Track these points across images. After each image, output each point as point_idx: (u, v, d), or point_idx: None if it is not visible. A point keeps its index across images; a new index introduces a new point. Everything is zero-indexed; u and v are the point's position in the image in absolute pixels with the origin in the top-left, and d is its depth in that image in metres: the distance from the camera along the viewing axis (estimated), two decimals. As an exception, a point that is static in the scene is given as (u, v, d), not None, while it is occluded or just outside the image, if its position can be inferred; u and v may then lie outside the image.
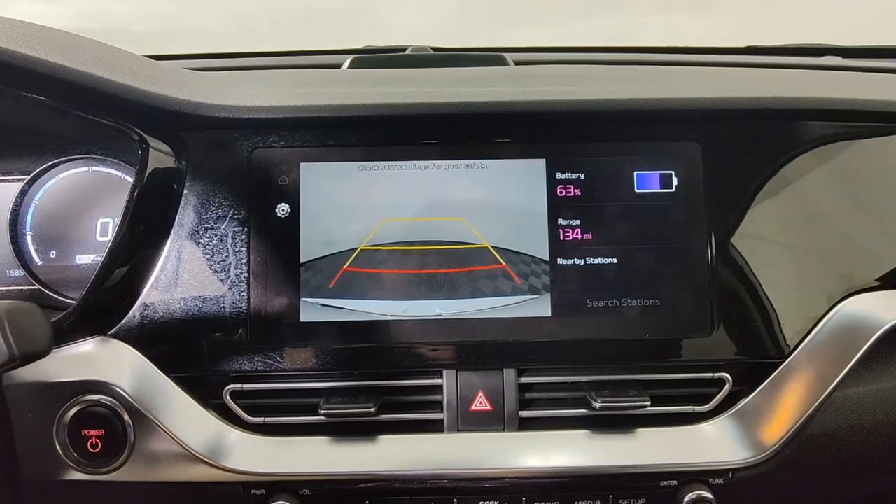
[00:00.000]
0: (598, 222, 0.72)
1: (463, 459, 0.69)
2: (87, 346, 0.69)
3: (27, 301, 0.59)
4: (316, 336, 0.70)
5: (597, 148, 0.73)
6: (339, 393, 0.71)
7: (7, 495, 0.67)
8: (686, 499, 0.68)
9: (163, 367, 0.69)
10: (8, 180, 0.85)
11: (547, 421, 0.71)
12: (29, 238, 0.85)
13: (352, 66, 1.06)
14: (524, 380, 0.71)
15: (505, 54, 1.08)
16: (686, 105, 0.72)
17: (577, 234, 0.71)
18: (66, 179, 0.85)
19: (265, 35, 1.57)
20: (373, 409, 0.68)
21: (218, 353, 0.70)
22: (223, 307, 0.70)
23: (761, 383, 0.71)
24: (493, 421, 0.71)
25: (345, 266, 0.71)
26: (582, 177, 0.72)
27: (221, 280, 0.71)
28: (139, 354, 0.69)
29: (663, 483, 0.69)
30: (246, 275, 0.71)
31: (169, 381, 0.69)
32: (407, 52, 1.19)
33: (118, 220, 0.83)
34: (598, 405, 0.68)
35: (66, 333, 0.68)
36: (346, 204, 0.72)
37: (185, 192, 0.72)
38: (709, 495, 0.67)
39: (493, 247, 0.71)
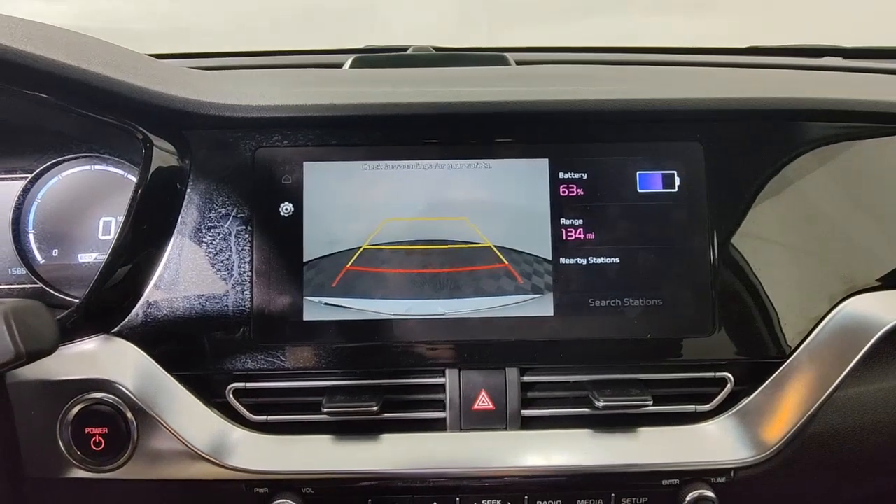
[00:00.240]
0: (600, 222, 0.72)
1: (465, 458, 0.69)
2: (90, 345, 0.69)
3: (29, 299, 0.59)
4: (319, 335, 0.71)
5: (599, 148, 0.73)
6: (341, 391, 0.71)
7: (11, 493, 0.67)
8: (688, 498, 0.68)
9: (166, 366, 0.69)
10: (10, 178, 0.85)
11: (549, 420, 0.71)
12: (31, 236, 0.85)
13: (353, 65, 1.07)
14: (526, 379, 0.72)
15: (506, 54, 1.08)
16: (688, 105, 0.72)
17: (579, 233, 0.72)
18: (69, 178, 0.85)
19: (265, 35, 1.57)
20: (376, 408, 0.68)
21: (221, 352, 0.70)
22: (226, 306, 0.70)
23: (763, 383, 0.71)
24: (495, 420, 0.71)
25: (348, 265, 0.71)
26: (585, 176, 0.72)
27: (225, 279, 0.71)
28: (142, 353, 0.69)
29: (665, 482, 0.69)
30: (249, 273, 0.71)
31: (172, 379, 0.69)
32: (408, 52, 1.19)
33: (121, 219, 0.84)
34: (600, 404, 0.68)
35: (69, 332, 0.68)
36: (349, 203, 0.72)
37: (189, 190, 0.72)
38: (711, 494, 0.68)
39: (495, 246, 0.72)
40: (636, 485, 0.70)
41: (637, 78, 0.88)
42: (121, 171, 0.85)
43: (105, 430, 0.66)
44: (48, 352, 0.57)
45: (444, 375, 0.71)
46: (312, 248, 0.71)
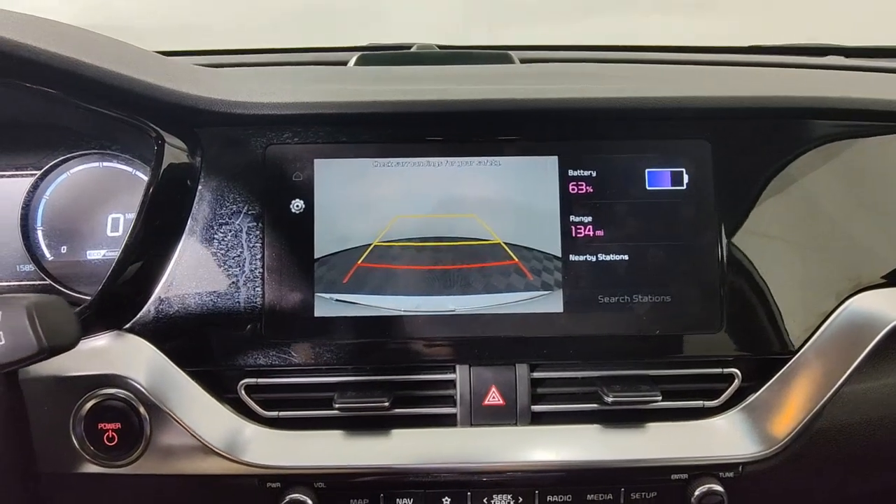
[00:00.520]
0: (609, 219, 0.72)
1: (476, 453, 0.70)
2: (102, 341, 0.69)
3: None
4: (330, 331, 0.71)
5: (608, 145, 0.73)
6: (352, 387, 0.71)
7: (24, 489, 0.67)
8: (697, 492, 0.68)
9: (178, 362, 0.70)
10: (19, 175, 0.85)
11: (559, 415, 0.72)
12: (40, 233, 0.85)
13: (358, 63, 1.07)
14: (536, 375, 0.72)
15: (510, 52, 1.08)
16: (697, 104, 0.73)
17: (588, 230, 0.72)
18: (77, 175, 0.86)
19: (267, 32, 1.57)
20: (387, 404, 0.68)
21: (232, 348, 0.71)
22: (238, 302, 0.71)
23: (770, 379, 0.71)
24: (505, 415, 0.71)
25: (359, 262, 0.72)
26: (594, 174, 0.73)
27: (236, 275, 0.71)
28: (154, 349, 0.70)
29: (674, 476, 0.70)
30: (260, 270, 0.71)
31: (184, 375, 0.70)
32: (412, 50, 1.20)
33: (129, 216, 0.84)
34: (609, 400, 0.69)
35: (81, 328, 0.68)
36: (359, 200, 0.72)
37: (200, 187, 0.72)
38: (719, 489, 0.68)
39: (505, 243, 0.72)
40: (645, 479, 0.71)
41: (643, 76, 0.89)
42: (129, 169, 0.85)
43: (118, 425, 0.67)
44: (69, 346, 0.57)
45: (454, 371, 0.72)
46: (323, 244, 0.72)
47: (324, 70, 1.02)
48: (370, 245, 0.72)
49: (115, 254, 0.82)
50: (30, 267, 0.85)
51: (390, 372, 0.72)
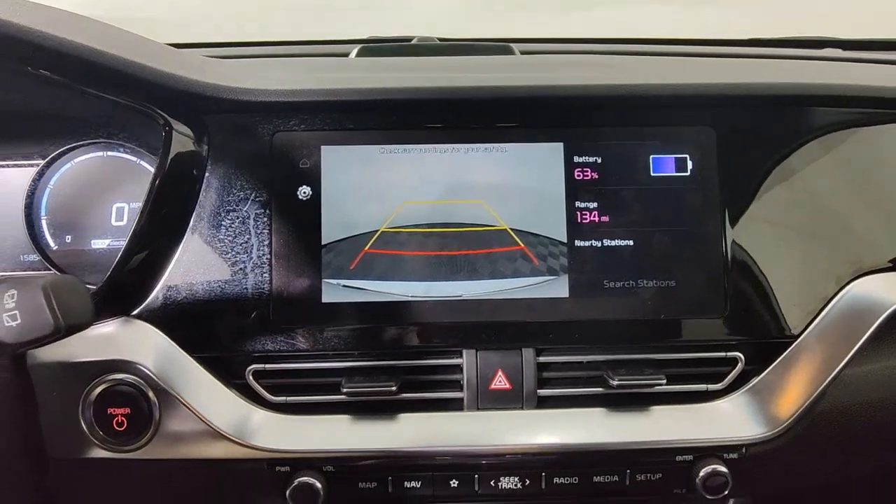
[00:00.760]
0: (614, 205, 0.73)
1: (483, 436, 0.70)
2: (110, 327, 0.70)
3: None
4: (337, 316, 0.71)
5: (613, 132, 0.74)
6: (360, 372, 0.72)
7: (33, 474, 0.67)
8: (701, 473, 0.69)
9: (186, 348, 0.70)
10: (23, 165, 0.85)
11: (565, 399, 0.73)
12: (44, 222, 0.85)
13: (359, 55, 1.07)
14: (542, 359, 0.73)
15: (511, 45, 1.09)
16: (700, 91, 0.74)
17: (594, 216, 0.73)
18: (81, 164, 0.86)
19: (263, 25, 1.57)
20: (394, 388, 0.69)
21: (240, 334, 0.71)
22: (246, 288, 0.71)
23: (772, 363, 0.72)
24: (512, 399, 0.72)
25: (366, 248, 0.72)
26: (599, 160, 0.73)
27: (244, 261, 0.71)
28: (163, 335, 0.70)
29: (679, 458, 0.71)
30: (268, 256, 0.71)
31: (192, 361, 0.70)
32: (413, 42, 1.20)
33: (134, 206, 0.85)
34: (614, 383, 0.69)
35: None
36: (367, 186, 0.73)
37: (207, 174, 0.72)
38: (723, 469, 0.69)
39: (511, 229, 0.73)
40: (650, 461, 0.71)
41: (645, 66, 0.90)
42: (134, 158, 0.85)
43: (127, 410, 0.67)
44: (85, 325, 0.58)
45: (461, 356, 0.72)
46: (331, 231, 0.72)
47: (326, 60, 1.02)
48: (377, 231, 0.72)
49: (119, 243, 0.83)
50: (34, 256, 0.85)
51: (397, 357, 0.73)
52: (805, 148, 0.75)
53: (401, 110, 0.74)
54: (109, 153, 0.86)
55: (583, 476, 0.71)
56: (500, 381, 0.72)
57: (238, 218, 0.72)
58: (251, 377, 0.72)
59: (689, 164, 0.74)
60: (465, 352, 0.72)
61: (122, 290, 0.71)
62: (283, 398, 0.72)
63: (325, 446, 0.69)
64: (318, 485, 0.68)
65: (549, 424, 0.71)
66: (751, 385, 0.73)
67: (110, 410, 0.67)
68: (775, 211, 0.74)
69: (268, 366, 0.72)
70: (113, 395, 0.67)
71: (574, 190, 0.73)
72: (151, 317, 0.70)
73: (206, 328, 0.71)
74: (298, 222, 0.72)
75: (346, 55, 1.08)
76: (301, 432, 0.70)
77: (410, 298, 0.72)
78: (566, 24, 1.55)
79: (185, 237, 0.72)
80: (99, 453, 0.68)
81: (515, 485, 0.72)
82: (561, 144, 0.74)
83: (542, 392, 0.72)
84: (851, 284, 0.73)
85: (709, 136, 0.74)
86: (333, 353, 0.72)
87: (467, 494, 0.72)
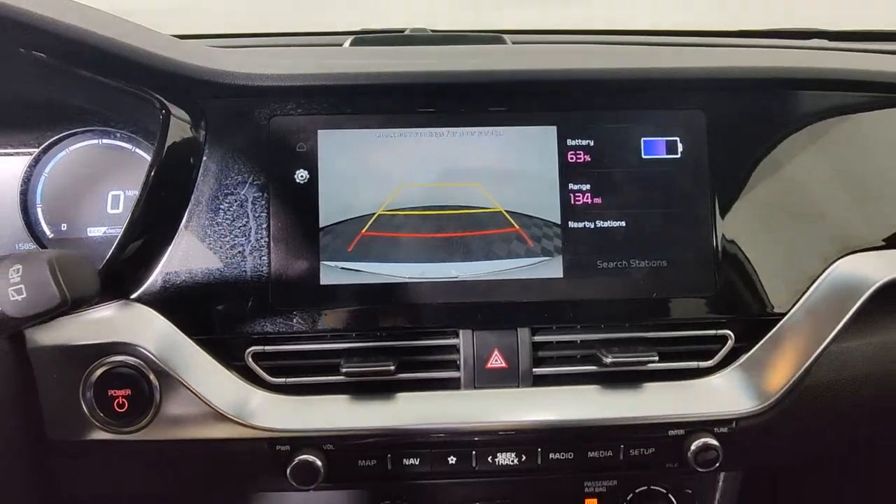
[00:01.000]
0: (607, 187, 0.75)
1: (480, 414, 0.71)
2: (110, 310, 0.70)
3: None
4: (336, 298, 0.72)
5: (606, 116, 0.75)
6: (358, 353, 0.73)
7: (33, 456, 0.68)
8: (693, 447, 0.71)
9: (186, 330, 0.71)
10: (18, 153, 0.85)
11: (560, 377, 0.74)
12: (40, 211, 0.85)
13: (353, 45, 1.08)
14: (538, 338, 0.74)
15: (502, 35, 1.10)
16: (691, 74, 0.75)
17: (587, 198, 0.74)
18: (76, 152, 0.86)
19: (254, 17, 1.58)
20: (392, 368, 0.70)
21: (239, 316, 0.72)
22: (244, 271, 0.72)
23: (761, 339, 0.74)
24: (508, 378, 0.73)
25: (363, 230, 0.73)
26: (591, 143, 0.75)
27: (242, 244, 0.72)
28: (162, 318, 0.70)
29: (671, 433, 0.72)
30: (266, 239, 0.72)
31: (192, 343, 0.71)
32: (406, 33, 1.21)
33: (130, 193, 0.85)
34: (608, 361, 0.71)
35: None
36: (364, 170, 0.74)
37: (205, 159, 0.73)
38: (714, 443, 0.71)
39: (506, 211, 0.74)
40: (644, 436, 0.73)
41: (636, 53, 0.91)
42: (129, 146, 0.86)
43: (128, 391, 0.67)
44: (90, 299, 0.58)
45: (457, 336, 0.74)
46: (328, 213, 0.73)
47: (322, 48, 1.03)
48: (374, 214, 0.73)
49: (115, 231, 0.83)
50: (30, 245, 0.85)
51: (395, 338, 0.74)
52: (792, 131, 0.77)
53: (397, 95, 0.75)
54: (105, 141, 0.86)
55: (578, 451, 0.73)
56: (497, 361, 0.73)
57: (236, 202, 0.73)
58: (250, 359, 0.72)
59: (680, 147, 0.75)
60: (461, 332, 0.74)
61: (120, 275, 0.71)
62: (283, 379, 0.73)
63: (325, 425, 0.70)
64: (319, 462, 0.69)
65: (544, 402, 0.72)
66: (740, 361, 0.74)
67: (111, 392, 0.67)
68: (764, 192, 0.76)
69: (267, 347, 0.73)
70: (113, 377, 0.68)
71: (567, 172, 0.74)
72: (151, 300, 0.71)
73: (205, 311, 0.72)
74: (296, 205, 0.73)
75: (340, 46, 1.09)
76: (301, 412, 0.71)
77: (407, 280, 0.73)
78: (558, 18, 1.57)
79: (184, 221, 0.72)
80: (100, 435, 0.69)
81: (512, 461, 0.73)
82: (554, 128, 0.75)
83: (538, 371, 0.74)
84: (837, 263, 0.75)
85: (699, 119, 0.75)
86: (332, 334, 0.73)
87: (465, 471, 0.73)
